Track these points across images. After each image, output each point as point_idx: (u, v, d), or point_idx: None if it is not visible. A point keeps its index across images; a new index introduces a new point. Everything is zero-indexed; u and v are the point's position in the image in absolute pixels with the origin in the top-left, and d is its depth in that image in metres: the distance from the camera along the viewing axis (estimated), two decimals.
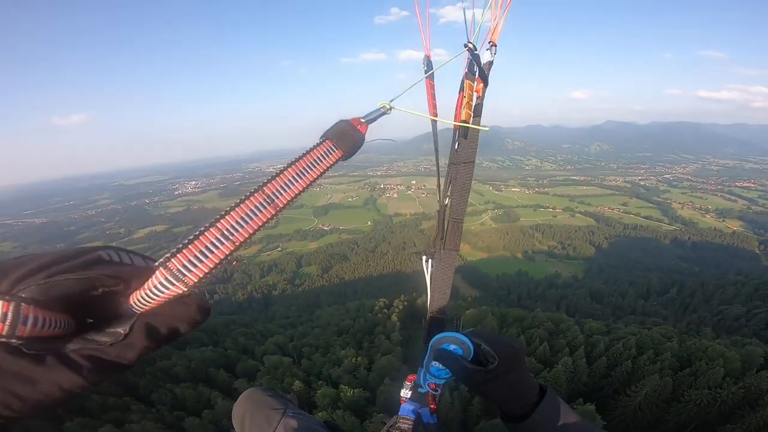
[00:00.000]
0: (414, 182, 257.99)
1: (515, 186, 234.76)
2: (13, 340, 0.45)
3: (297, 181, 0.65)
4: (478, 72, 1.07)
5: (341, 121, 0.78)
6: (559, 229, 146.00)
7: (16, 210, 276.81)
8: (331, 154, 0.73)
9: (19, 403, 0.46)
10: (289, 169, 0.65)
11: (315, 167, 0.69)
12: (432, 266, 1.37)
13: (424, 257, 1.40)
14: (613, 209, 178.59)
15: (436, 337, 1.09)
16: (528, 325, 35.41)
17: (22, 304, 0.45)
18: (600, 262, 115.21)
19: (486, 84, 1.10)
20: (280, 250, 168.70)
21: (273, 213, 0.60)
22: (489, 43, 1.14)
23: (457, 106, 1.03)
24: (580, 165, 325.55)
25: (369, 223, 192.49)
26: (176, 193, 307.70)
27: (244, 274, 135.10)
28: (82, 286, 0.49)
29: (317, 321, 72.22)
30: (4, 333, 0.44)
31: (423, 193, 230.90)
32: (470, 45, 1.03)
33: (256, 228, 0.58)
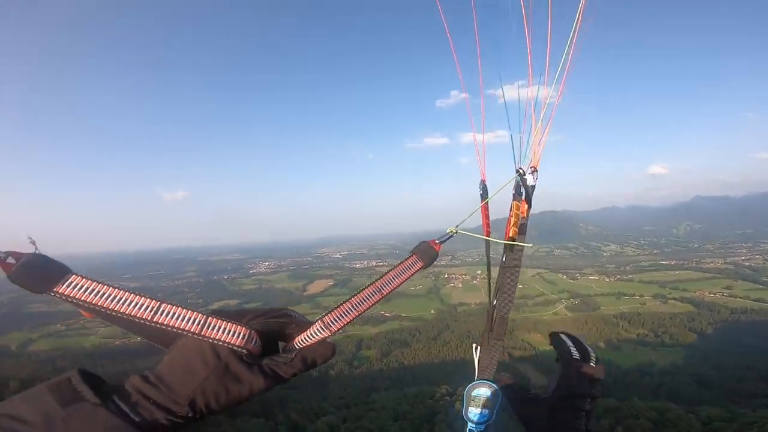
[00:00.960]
0: (479, 272, 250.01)
1: (593, 274, 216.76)
2: (244, 351, 0.82)
3: (396, 280, 1.12)
4: (524, 194, 1.29)
5: (423, 242, 1.24)
6: (649, 317, 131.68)
7: (117, 273, 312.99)
8: (416, 264, 1.18)
9: (225, 397, 0.80)
10: (391, 271, 1.12)
11: (406, 272, 1.15)
12: (480, 353, 1.54)
13: (474, 345, 1.57)
14: (715, 293, 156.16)
15: (468, 385, 1.23)
16: (624, 415, 29.64)
17: (253, 330, 0.84)
18: (704, 348, 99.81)
19: (530, 206, 1.29)
20: (341, 333, 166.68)
21: (378, 299, 1.10)
22: (531, 167, 1.33)
23: (507, 223, 1.24)
24: (668, 248, 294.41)
25: (432, 311, 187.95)
26: (251, 271, 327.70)
27: None
28: (280, 327, 0.91)
29: (373, 404, 67.54)
30: (242, 346, 0.81)
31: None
32: (521, 170, 1.31)
33: (367, 308, 1.03)
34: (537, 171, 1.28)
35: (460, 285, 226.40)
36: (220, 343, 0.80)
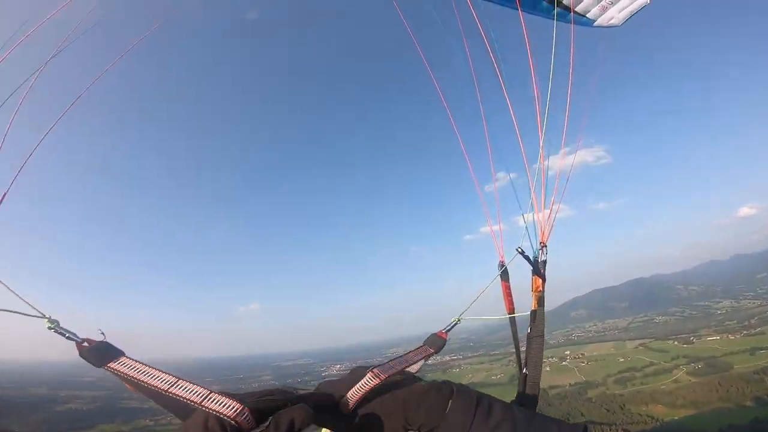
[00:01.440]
0: (568, 352, 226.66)
1: (711, 334, 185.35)
2: (233, 422, 0.96)
3: (412, 362, 1.45)
4: (535, 270, 1.50)
5: (433, 334, 1.63)
6: None
7: (200, 376, 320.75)
8: (428, 351, 1.55)
9: None
10: (407, 354, 1.46)
11: (419, 357, 1.49)
12: None
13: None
14: None
15: None
16: None
17: (246, 406, 0.99)
18: None
19: (544, 280, 1.46)
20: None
21: (399, 376, 1.37)
22: (540, 244, 1.55)
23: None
24: None
25: None
26: (323, 374, 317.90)
27: None
28: (270, 404, 1.05)
29: None
30: (232, 417, 0.96)
31: (582, 362, 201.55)
32: (519, 250, 1.53)
33: (382, 380, 1.27)
34: (546, 247, 1.45)
35: (547, 368, 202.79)
36: (214, 413, 0.99)
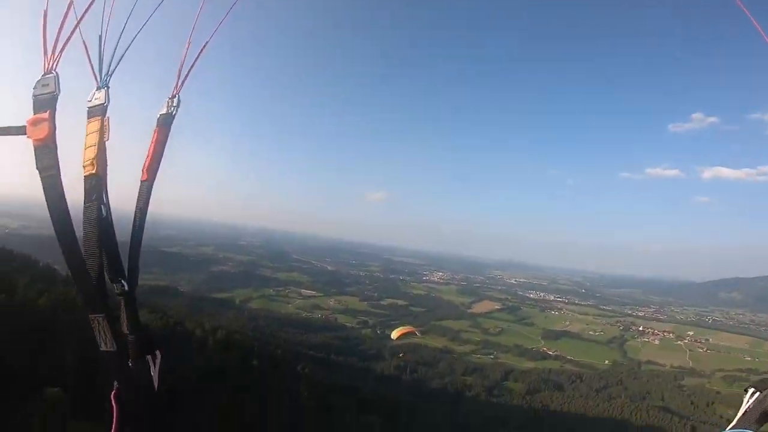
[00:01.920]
0: (691, 333, 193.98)
1: None
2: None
3: None
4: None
5: None
6: None
7: (320, 256, 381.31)
8: None
9: None
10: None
11: None
12: (753, 400, 1.25)
13: (750, 389, 1.33)
14: None
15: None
16: None
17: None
18: None
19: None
20: (492, 357, 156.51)
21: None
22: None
23: None
24: None
25: (606, 362, 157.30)
26: (424, 278, 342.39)
27: (449, 366, 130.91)
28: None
29: None
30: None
31: (701, 348, 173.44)
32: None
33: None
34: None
35: (656, 341, 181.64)
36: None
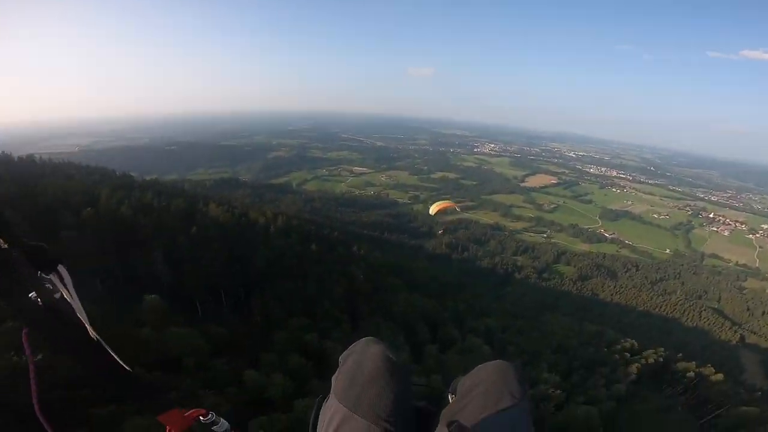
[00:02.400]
0: (766, 227, 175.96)
1: None
2: None
3: None
4: None
5: None
6: None
7: (368, 133, 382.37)
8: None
9: None
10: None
11: None
12: None
13: None
14: None
15: None
16: None
17: None
18: None
19: None
20: (545, 237, 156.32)
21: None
22: None
23: None
24: None
25: (667, 251, 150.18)
26: (474, 150, 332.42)
27: (499, 244, 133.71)
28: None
29: (541, 325, 62.95)
30: None
31: None
32: None
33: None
34: None
35: (725, 232, 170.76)
36: None
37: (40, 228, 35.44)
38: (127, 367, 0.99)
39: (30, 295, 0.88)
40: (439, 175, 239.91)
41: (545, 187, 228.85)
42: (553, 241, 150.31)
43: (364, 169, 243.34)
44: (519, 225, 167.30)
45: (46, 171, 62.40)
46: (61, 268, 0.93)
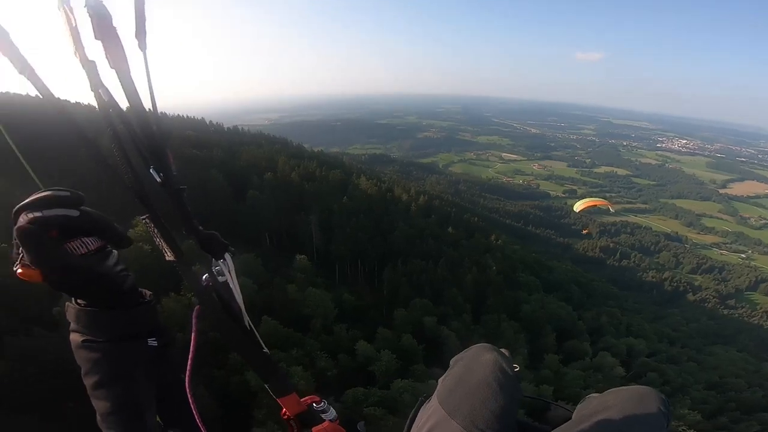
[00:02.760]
0: None
1: None
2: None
3: None
4: None
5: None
6: None
7: (522, 119, 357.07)
8: None
9: None
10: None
11: None
12: None
13: None
14: None
15: None
16: None
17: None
18: None
19: None
20: (743, 257, 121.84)
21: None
22: None
23: None
24: None
25: None
26: (658, 145, 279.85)
27: (674, 258, 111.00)
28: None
29: (703, 357, 50.37)
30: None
31: None
32: None
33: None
34: None
35: None
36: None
37: (235, 185, 43.76)
38: (266, 350, 1.05)
39: (203, 277, 0.98)
40: (604, 169, 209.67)
41: (756, 197, 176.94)
42: (753, 264, 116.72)
43: (515, 156, 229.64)
44: (708, 239, 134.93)
45: (245, 139, 75.87)
46: (227, 256, 1.02)
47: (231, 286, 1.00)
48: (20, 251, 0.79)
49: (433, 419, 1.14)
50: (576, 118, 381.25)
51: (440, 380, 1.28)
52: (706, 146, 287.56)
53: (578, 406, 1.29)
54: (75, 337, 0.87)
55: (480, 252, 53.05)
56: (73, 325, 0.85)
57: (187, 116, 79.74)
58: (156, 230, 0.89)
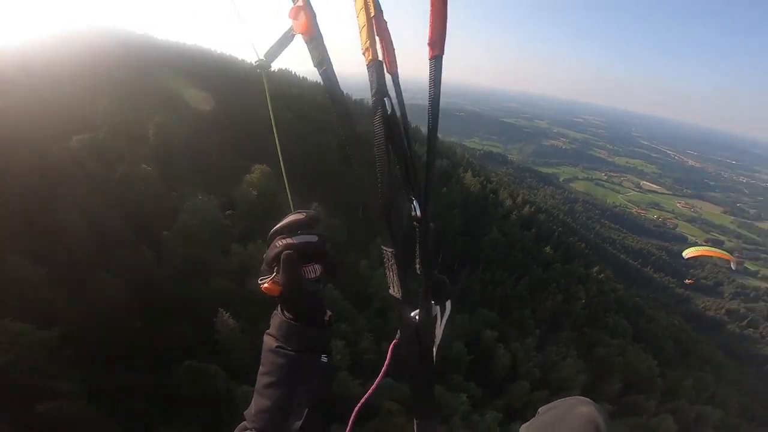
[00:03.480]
0: None
1: None
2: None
3: None
4: None
5: None
6: None
7: (681, 146, 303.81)
8: None
9: None
10: None
11: None
12: None
13: None
14: None
15: None
16: None
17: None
18: None
19: None
20: None
21: None
22: None
23: None
24: None
25: None
26: None
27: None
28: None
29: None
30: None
31: None
32: None
33: None
34: None
35: None
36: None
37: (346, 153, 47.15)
38: (435, 396, 1.07)
39: (413, 313, 1.00)
40: None
41: None
42: None
43: (657, 187, 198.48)
44: None
45: (363, 111, 78.76)
46: (448, 304, 1.02)
47: (437, 332, 1.00)
48: (274, 270, 0.89)
49: None
50: (754, 158, 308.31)
51: (523, 427, 1.19)
52: None
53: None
54: (269, 341, 0.97)
55: (572, 281, 48.58)
56: (271, 330, 0.96)
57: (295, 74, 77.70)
58: (394, 265, 0.89)
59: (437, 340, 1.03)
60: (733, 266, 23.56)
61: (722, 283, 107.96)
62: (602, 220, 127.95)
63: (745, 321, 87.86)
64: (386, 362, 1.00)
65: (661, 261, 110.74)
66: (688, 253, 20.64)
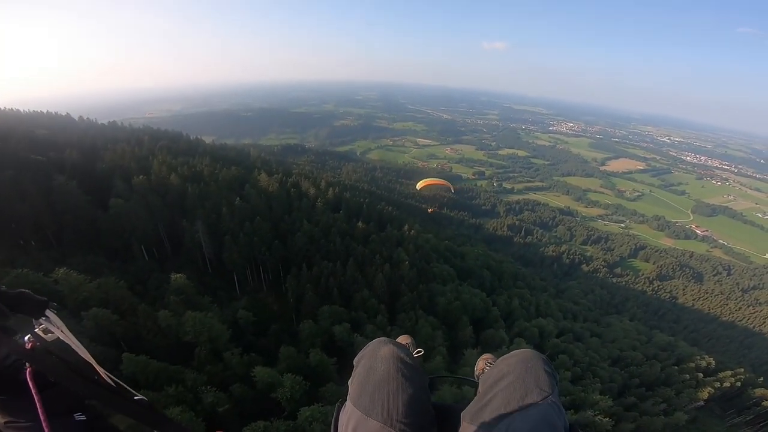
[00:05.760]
0: None
1: None
2: None
3: None
4: None
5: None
6: None
7: (435, 105, 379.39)
8: None
9: None
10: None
11: None
12: None
13: None
14: None
15: None
16: None
17: None
18: None
19: None
20: (622, 227, 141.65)
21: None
22: None
23: None
24: None
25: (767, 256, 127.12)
26: (550, 128, 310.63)
27: (568, 231, 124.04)
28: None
29: (603, 329, 56.59)
30: None
31: None
32: None
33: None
34: None
35: None
36: None
37: (95, 193, 36.76)
38: (140, 396, 1.03)
39: (25, 338, 0.89)
40: (507, 151, 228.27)
41: (629, 172, 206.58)
42: (631, 232, 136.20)
43: (429, 141, 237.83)
44: (594, 211, 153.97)
45: (120, 136, 62.96)
46: (49, 312, 0.93)
47: (67, 342, 0.89)
48: None
49: (353, 421, 1.19)
50: (483, 104, 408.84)
51: (349, 382, 1.34)
52: (588, 128, 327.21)
53: (480, 377, 1.42)
54: None
55: (392, 246, 50.64)
56: None
57: (48, 112, 69.47)
58: None
59: (81, 350, 0.93)
60: (453, 190, 29.94)
61: (496, 205, 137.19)
62: (400, 180, 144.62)
63: (522, 231, 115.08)
64: (35, 395, 0.87)
65: (450, 200, 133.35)
66: (419, 185, 24.77)
